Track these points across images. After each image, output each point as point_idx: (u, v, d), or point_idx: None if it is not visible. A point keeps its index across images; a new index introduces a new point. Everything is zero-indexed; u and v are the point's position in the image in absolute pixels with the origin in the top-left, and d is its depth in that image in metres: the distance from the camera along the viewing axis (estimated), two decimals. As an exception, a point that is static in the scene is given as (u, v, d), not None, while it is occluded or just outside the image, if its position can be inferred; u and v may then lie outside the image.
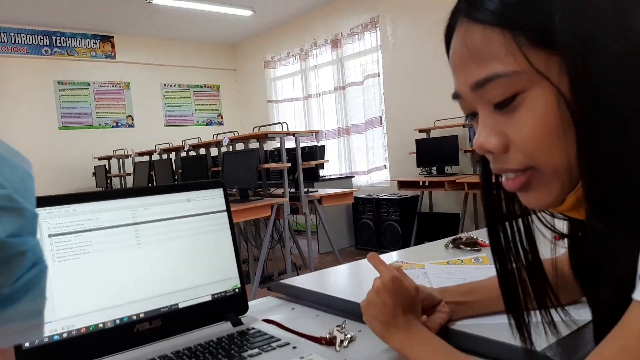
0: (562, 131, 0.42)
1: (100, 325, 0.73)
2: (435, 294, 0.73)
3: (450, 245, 1.29)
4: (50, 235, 0.72)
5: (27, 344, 0.68)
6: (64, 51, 6.81)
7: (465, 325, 0.73)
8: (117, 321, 0.74)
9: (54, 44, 6.73)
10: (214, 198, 0.88)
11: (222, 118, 8.29)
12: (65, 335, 0.70)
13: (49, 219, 0.72)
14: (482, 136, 0.47)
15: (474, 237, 1.28)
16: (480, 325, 0.72)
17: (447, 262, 1.13)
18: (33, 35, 6.57)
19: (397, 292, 0.65)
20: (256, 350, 0.71)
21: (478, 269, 1.06)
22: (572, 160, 0.43)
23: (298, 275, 1.13)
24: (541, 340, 0.64)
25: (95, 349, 0.72)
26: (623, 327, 0.39)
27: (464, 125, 4.73)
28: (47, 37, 6.67)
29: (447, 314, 0.72)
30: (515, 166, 0.46)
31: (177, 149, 5.26)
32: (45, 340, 0.69)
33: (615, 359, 0.39)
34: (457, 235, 1.31)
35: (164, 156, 5.48)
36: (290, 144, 4.20)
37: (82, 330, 0.72)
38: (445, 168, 4.77)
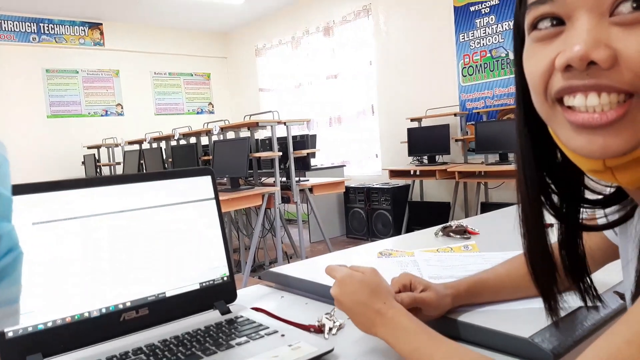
0: None
1: (86, 314, 0.72)
2: (429, 285, 0.72)
3: (440, 233, 1.29)
4: (34, 223, 0.71)
5: (10, 334, 0.66)
6: (52, 38, 6.70)
7: (455, 313, 0.72)
8: (103, 310, 0.73)
9: (42, 31, 6.62)
10: (202, 185, 0.87)
11: (212, 106, 8.23)
12: (49, 324, 0.69)
13: (33, 206, 0.71)
14: (586, 44, 0.39)
15: (464, 225, 1.29)
16: (470, 314, 0.72)
17: (437, 250, 1.13)
18: (20, 22, 6.45)
19: (353, 290, 0.64)
20: (244, 338, 0.71)
21: (467, 256, 1.06)
22: None
23: (289, 264, 1.13)
24: (529, 327, 0.64)
25: (80, 338, 0.71)
26: (631, 318, 0.38)
27: (455, 114, 4.73)
28: (35, 24, 6.56)
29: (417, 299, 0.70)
30: (620, 85, 0.39)
31: (168, 138, 5.22)
32: (30, 329, 0.68)
33: (620, 353, 0.37)
34: (447, 223, 1.31)
35: (154, 145, 5.44)
36: (281, 132, 4.18)
37: (67, 320, 0.71)
38: (437, 157, 4.77)
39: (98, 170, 6.32)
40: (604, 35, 0.39)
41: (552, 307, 0.58)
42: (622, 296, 0.73)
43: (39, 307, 0.69)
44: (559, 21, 0.43)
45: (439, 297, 0.70)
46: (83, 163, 6.56)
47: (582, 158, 0.44)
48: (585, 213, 0.54)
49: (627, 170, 0.42)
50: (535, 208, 0.52)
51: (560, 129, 0.45)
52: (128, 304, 0.75)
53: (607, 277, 0.73)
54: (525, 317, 0.69)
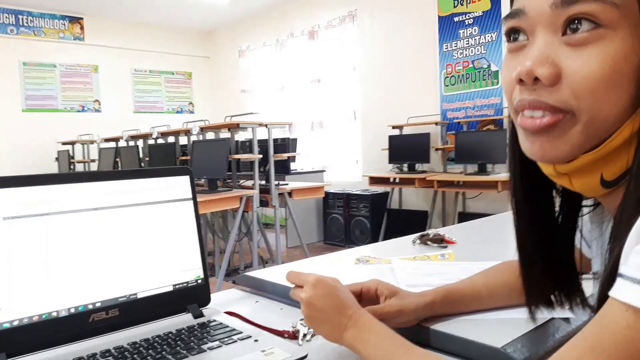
0: (622, 84, 0.41)
1: (54, 314, 0.70)
2: (397, 292, 0.72)
3: (418, 241, 1.30)
4: (5, 218, 0.69)
5: (-27, 333, 0.64)
6: (30, 31, 6.57)
7: (428, 321, 0.72)
8: (72, 310, 0.71)
9: (20, 24, 6.49)
10: (180, 185, 0.86)
11: (193, 106, 8.16)
12: (16, 323, 0.67)
13: (5, 200, 0.69)
14: (533, 61, 0.42)
15: (441, 233, 1.29)
16: (442, 322, 0.72)
17: (414, 258, 1.13)
18: (-3, 13, 6.32)
19: (327, 294, 0.63)
20: (216, 342, 0.70)
21: (444, 264, 1.07)
22: (612, 118, 0.42)
23: (265, 268, 1.12)
24: (502, 337, 0.64)
25: (47, 339, 0.69)
26: (596, 326, 0.38)
27: (436, 123, 4.78)
28: (13, 15, 6.42)
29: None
30: (556, 103, 0.43)
31: (145, 136, 5.14)
32: (-6, 328, 0.65)
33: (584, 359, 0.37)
34: (425, 232, 1.32)
35: (131, 143, 5.36)
36: (262, 135, 4.16)
37: (34, 319, 0.68)
38: (416, 165, 4.81)
39: (72, 167, 6.20)
40: (553, 52, 0.42)
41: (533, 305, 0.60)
42: (593, 309, 0.74)
43: (5, 305, 0.67)
44: (526, 35, 0.45)
45: (405, 304, 0.69)
46: (57, 159, 6.43)
47: (541, 164, 0.49)
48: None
49: (580, 177, 0.46)
50: (525, 198, 0.55)
51: (520, 136, 0.48)
52: (98, 304, 0.74)
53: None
54: (497, 327, 0.69)
